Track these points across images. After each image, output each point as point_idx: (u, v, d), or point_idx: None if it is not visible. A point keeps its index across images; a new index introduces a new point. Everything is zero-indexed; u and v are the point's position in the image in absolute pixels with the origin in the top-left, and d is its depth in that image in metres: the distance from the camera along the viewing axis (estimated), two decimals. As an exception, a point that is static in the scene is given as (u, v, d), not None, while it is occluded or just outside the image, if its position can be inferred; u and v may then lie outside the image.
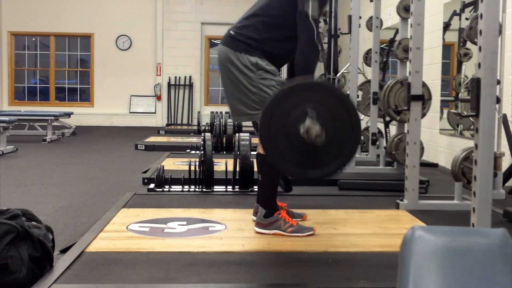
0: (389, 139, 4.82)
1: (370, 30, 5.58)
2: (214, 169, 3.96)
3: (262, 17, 2.66)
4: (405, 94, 3.48)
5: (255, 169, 3.83)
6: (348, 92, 2.33)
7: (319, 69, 5.50)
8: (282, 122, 2.23)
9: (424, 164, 5.25)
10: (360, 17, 5.29)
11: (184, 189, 3.94)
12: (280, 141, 2.25)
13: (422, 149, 3.91)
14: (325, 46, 5.70)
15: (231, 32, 2.70)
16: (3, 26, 11.93)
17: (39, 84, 12.41)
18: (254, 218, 2.87)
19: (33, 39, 12.25)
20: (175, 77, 12.17)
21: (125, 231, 2.77)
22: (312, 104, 2.22)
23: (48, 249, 2.15)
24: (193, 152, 6.37)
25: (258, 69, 2.60)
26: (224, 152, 6.40)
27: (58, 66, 12.29)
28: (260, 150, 2.68)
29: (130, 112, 12.17)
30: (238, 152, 3.97)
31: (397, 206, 3.44)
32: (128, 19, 12.07)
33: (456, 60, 6.02)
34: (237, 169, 3.99)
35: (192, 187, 3.94)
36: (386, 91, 4.49)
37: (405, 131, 3.86)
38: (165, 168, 4.15)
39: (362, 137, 6.03)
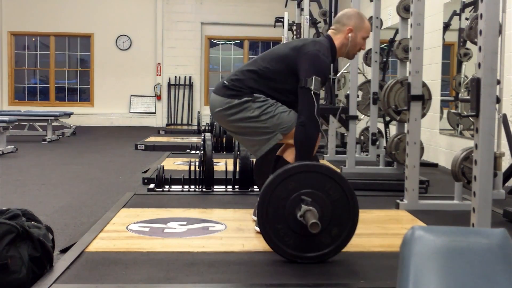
0: (389, 139, 4.82)
1: (370, 30, 5.57)
2: (214, 169, 3.96)
3: (258, 76, 2.63)
4: (405, 94, 3.48)
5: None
6: (339, 174, 2.33)
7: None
8: (280, 205, 2.25)
9: (424, 164, 5.25)
10: (360, 17, 5.28)
11: (184, 189, 3.94)
12: (278, 224, 2.26)
13: (422, 149, 3.91)
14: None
15: (225, 82, 2.67)
16: (3, 26, 11.93)
17: (39, 84, 12.41)
18: (254, 218, 2.87)
19: (33, 39, 12.25)
20: (175, 77, 12.17)
21: (125, 231, 2.77)
22: (308, 187, 2.24)
23: (48, 249, 2.15)
24: (193, 152, 6.37)
25: (252, 101, 2.58)
26: (224, 152, 6.40)
27: (58, 66, 12.29)
28: (285, 155, 2.68)
29: (130, 112, 12.17)
30: (238, 152, 3.97)
31: (397, 206, 3.44)
32: (128, 19, 12.07)
33: (456, 60, 6.01)
34: (237, 169, 3.99)
35: (192, 187, 3.94)
36: (386, 91, 4.48)
37: (405, 131, 3.86)
38: (165, 168, 4.15)
39: (362, 137, 6.04)
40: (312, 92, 2.51)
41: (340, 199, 2.27)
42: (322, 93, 5.24)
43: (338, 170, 4.74)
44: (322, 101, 5.40)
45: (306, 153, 2.52)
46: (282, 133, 2.60)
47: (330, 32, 2.79)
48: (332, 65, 5.58)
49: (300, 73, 2.56)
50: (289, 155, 2.63)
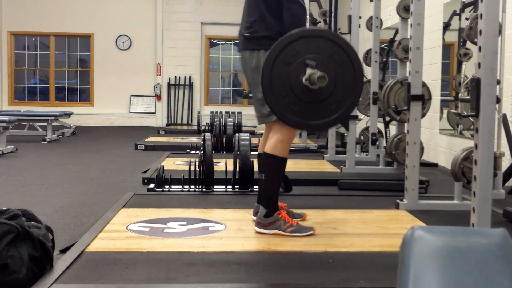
0: (389, 139, 4.82)
1: (370, 30, 5.58)
2: (214, 169, 3.96)
3: (266, 9, 2.65)
4: (405, 94, 3.48)
5: (255, 169, 3.84)
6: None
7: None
8: (284, 72, 2.21)
9: (424, 164, 5.25)
10: (360, 17, 5.30)
11: (184, 189, 3.94)
12: (283, 91, 2.22)
13: (422, 149, 3.91)
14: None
15: (245, 34, 2.71)
16: (3, 26, 11.93)
17: (39, 84, 12.41)
18: (254, 218, 2.87)
19: (33, 39, 12.25)
20: (175, 77, 12.17)
21: (125, 231, 2.77)
22: (312, 53, 2.21)
23: (48, 249, 2.15)
24: (193, 152, 6.37)
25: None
26: (224, 152, 6.40)
27: (58, 66, 12.29)
28: (266, 149, 2.69)
29: (130, 112, 12.17)
30: (238, 152, 3.97)
31: (397, 206, 3.44)
32: (128, 19, 12.07)
33: (456, 60, 6.02)
34: (237, 169, 3.99)
35: (192, 187, 3.94)
36: (386, 91, 4.49)
37: (405, 131, 3.86)
38: (165, 168, 4.15)
39: (362, 137, 6.03)
40: None
41: (344, 64, 2.22)
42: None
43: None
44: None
45: None
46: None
47: None
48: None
49: None
50: (270, 147, 2.65)
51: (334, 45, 2.22)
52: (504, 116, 3.68)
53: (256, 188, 3.83)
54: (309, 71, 2.15)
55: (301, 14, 2.56)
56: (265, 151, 2.70)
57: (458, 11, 5.88)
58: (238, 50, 2.81)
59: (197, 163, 3.97)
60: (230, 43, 12.50)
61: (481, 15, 2.38)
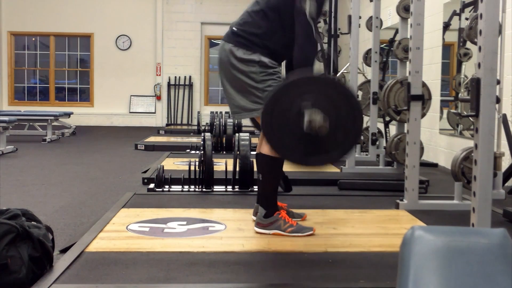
0: (389, 139, 4.82)
1: (370, 30, 5.58)
2: (214, 169, 3.96)
3: (264, 15, 2.66)
4: (405, 94, 3.48)
5: (255, 169, 3.84)
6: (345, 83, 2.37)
7: (319, 68, 5.50)
8: (284, 116, 2.25)
9: (424, 164, 5.25)
10: (360, 17, 5.29)
11: (184, 189, 3.94)
12: (283, 133, 2.26)
13: (422, 149, 3.91)
14: (325, 46, 5.70)
15: (233, 28, 2.71)
16: (3, 26, 11.93)
17: (39, 84, 12.41)
18: (254, 218, 2.87)
19: (33, 39, 12.25)
20: (175, 77, 12.17)
21: (125, 231, 2.77)
22: (312, 97, 2.24)
23: (48, 249, 2.15)
24: (193, 152, 6.37)
25: (261, 65, 2.61)
26: (224, 152, 6.40)
27: (58, 66, 12.29)
28: (262, 149, 2.69)
29: (130, 112, 12.17)
30: (238, 152, 3.97)
31: (397, 206, 3.44)
32: (128, 19, 12.07)
33: (456, 60, 6.02)
34: (237, 169, 3.99)
35: (192, 187, 3.94)
36: (386, 91, 4.49)
37: (405, 131, 3.86)
38: (165, 168, 4.15)
39: (362, 137, 6.04)
40: (306, 14, 2.52)
41: (342, 105, 2.27)
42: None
43: (337, 171, 4.74)
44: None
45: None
46: None
47: None
48: (332, 65, 5.60)
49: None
50: (265, 147, 2.66)
51: (330, 88, 2.28)
52: (504, 116, 3.68)
53: (255, 188, 3.83)
54: (310, 114, 2.21)
55: (312, 55, 2.58)
56: (261, 152, 2.70)
57: (458, 11, 5.88)
58: (222, 41, 2.76)
59: (197, 163, 3.97)
60: (230, 43, 12.50)
61: (481, 15, 2.38)
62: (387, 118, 5.56)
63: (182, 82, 12.20)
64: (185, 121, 12.11)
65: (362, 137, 6.07)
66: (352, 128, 2.31)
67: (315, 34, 2.56)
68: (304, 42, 2.54)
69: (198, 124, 9.60)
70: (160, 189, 3.93)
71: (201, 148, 4.00)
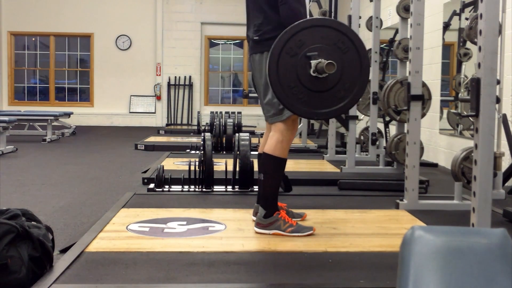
0: (389, 139, 4.82)
1: (370, 30, 5.58)
2: (214, 169, 3.96)
3: (269, 8, 2.65)
4: (405, 94, 3.48)
5: (255, 169, 3.84)
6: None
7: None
8: (290, 63, 2.22)
9: (424, 164, 5.25)
10: (360, 17, 5.29)
11: (184, 189, 3.94)
12: (291, 82, 2.24)
13: (422, 149, 3.91)
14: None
15: (254, 38, 2.71)
16: (3, 26, 11.93)
17: (39, 84, 12.40)
18: (254, 218, 2.87)
19: (33, 39, 12.25)
20: (175, 77, 12.17)
21: (125, 231, 2.77)
22: (317, 42, 2.22)
23: (48, 249, 2.15)
24: (193, 152, 6.37)
25: None
26: (224, 152, 6.40)
27: (58, 66, 12.29)
28: (265, 149, 2.69)
29: (130, 112, 12.17)
30: (238, 152, 3.97)
31: (397, 206, 3.44)
32: (128, 19, 12.06)
33: (456, 60, 6.01)
34: (237, 169, 3.99)
35: (192, 187, 3.94)
36: (386, 91, 4.48)
37: (405, 131, 3.86)
38: (165, 168, 4.15)
39: (362, 137, 6.04)
40: None
41: (350, 51, 2.24)
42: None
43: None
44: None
45: None
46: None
47: None
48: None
49: None
50: (269, 147, 2.65)
51: (338, 33, 2.24)
52: (504, 116, 3.68)
53: (256, 188, 3.83)
54: (314, 62, 2.17)
55: (298, 8, 2.55)
56: (264, 151, 2.70)
57: (458, 11, 5.88)
58: (250, 55, 2.79)
59: (197, 163, 3.97)
60: (230, 43, 12.50)
61: (481, 15, 2.38)
62: (387, 118, 5.56)
63: (182, 82, 12.20)
64: (185, 121, 12.11)
65: (362, 137, 6.07)
66: (359, 73, 2.26)
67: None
68: (293, 1, 2.52)
69: (198, 124, 9.60)
70: (160, 189, 3.93)
71: (201, 148, 4.01)
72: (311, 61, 2.19)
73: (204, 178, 3.91)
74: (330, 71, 2.12)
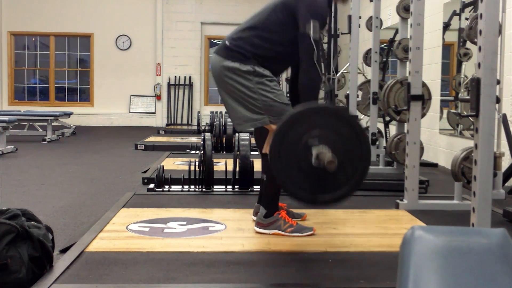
0: (389, 139, 4.82)
1: (370, 30, 5.58)
2: (214, 169, 3.96)
3: (259, 31, 2.63)
4: (405, 94, 3.48)
5: (255, 169, 3.84)
6: (351, 112, 2.34)
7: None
8: (292, 150, 2.23)
9: (424, 164, 5.25)
10: (360, 17, 5.29)
11: (184, 189, 3.94)
12: (291, 169, 2.24)
13: (422, 149, 3.91)
14: (325, 46, 5.69)
15: (226, 42, 2.68)
16: (3, 26, 11.93)
17: (38, 84, 12.40)
18: (254, 218, 2.88)
19: (33, 39, 12.25)
20: (175, 77, 12.17)
21: (125, 231, 2.77)
22: (320, 130, 2.23)
23: (48, 249, 2.15)
24: (193, 152, 6.37)
25: (255, 75, 2.58)
26: (224, 152, 6.40)
27: (58, 66, 12.29)
28: (268, 150, 2.68)
29: (130, 112, 12.17)
30: (238, 152, 3.97)
31: (397, 206, 3.44)
32: (128, 19, 12.06)
33: (456, 60, 6.02)
34: (237, 169, 3.99)
35: (192, 187, 3.94)
36: (386, 91, 4.48)
37: (405, 131, 3.86)
38: (165, 168, 4.15)
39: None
40: (311, 38, 2.52)
41: (350, 136, 2.25)
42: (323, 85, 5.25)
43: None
44: (321, 101, 5.39)
45: (311, 98, 2.54)
46: (270, 120, 2.58)
47: None
48: (332, 65, 5.59)
49: (299, 21, 2.57)
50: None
51: (337, 120, 2.26)
52: (504, 116, 3.68)
53: (256, 188, 3.83)
54: (314, 151, 2.18)
55: (318, 81, 2.59)
56: (265, 151, 2.69)
57: (458, 11, 5.88)
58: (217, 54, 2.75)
59: (197, 163, 3.97)
60: (230, 43, 12.49)
61: (481, 15, 2.38)
62: (387, 118, 5.56)
63: (182, 82, 12.20)
64: (185, 121, 12.11)
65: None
66: (360, 159, 2.28)
67: (318, 56, 2.56)
68: (310, 69, 2.54)
69: (198, 124, 9.60)
70: (160, 189, 3.93)
71: (201, 148, 4.01)
72: (312, 148, 2.20)
73: (204, 178, 3.91)
74: (331, 167, 2.14)
